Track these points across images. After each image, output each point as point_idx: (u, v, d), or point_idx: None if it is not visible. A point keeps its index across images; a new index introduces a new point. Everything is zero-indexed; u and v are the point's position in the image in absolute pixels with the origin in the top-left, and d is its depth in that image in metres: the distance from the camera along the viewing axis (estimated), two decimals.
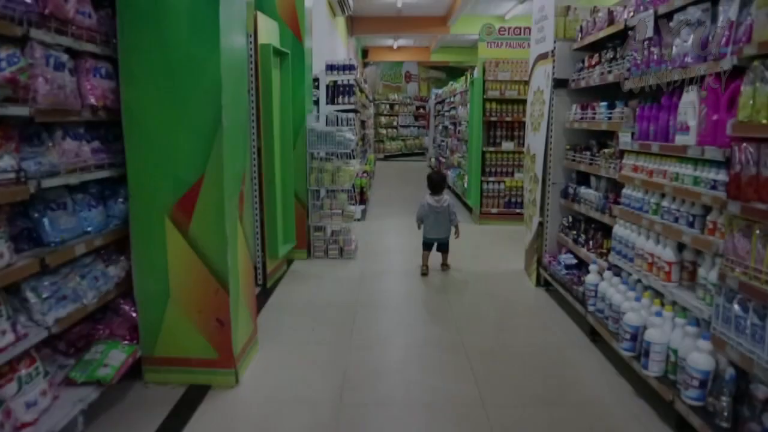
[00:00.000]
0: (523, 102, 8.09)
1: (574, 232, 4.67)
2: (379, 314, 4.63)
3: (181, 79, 3.03)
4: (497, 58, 8.32)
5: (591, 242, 4.32)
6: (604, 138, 4.45)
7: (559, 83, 4.85)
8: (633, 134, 3.50)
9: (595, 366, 3.65)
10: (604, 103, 4.11)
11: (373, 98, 19.52)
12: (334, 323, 4.38)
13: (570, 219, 4.85)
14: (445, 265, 5.91)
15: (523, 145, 8.31)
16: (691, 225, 2.87)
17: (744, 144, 2.34)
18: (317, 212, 6.17)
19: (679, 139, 2.95)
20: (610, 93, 4.52)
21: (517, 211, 8.26)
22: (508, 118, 8.18)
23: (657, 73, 3.20)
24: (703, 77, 2.78)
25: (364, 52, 21.33)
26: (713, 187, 2.66)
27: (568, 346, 3.98)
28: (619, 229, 3.66)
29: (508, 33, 8.55)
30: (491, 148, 8.28)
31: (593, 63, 4.33)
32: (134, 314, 3.29)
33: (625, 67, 3.69)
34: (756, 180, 2.25)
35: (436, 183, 5.78)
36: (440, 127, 14.79)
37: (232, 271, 3.25)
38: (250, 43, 4.83)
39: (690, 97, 2.86)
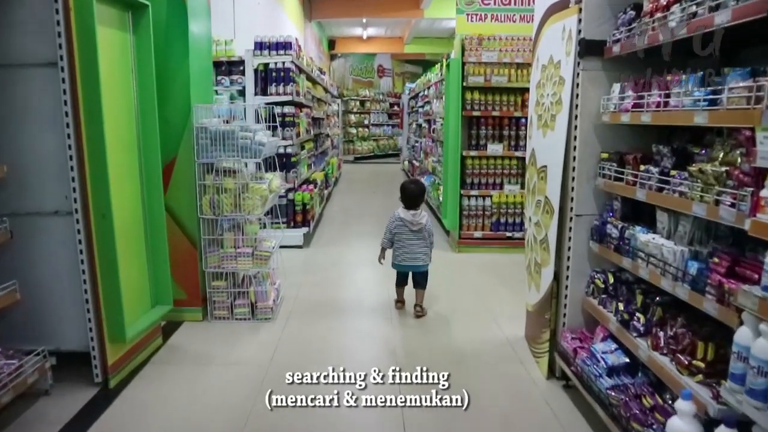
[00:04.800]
0: (515, 91, 6.15)
1: (621, 306, 2.68)
2: None
3: None
4: (481, 34, 6.33)
5: (662, 334, 2.33)
6: (680, 140, 2.48)
7: (590, 48, 2.85)
8: None
9: None
10: (698, 74, 2.12)
11: (340, 94, 17.48)
12: None
13: (609, 278, 2.86)
14: (419, 308, 4.35)
15: (517, 149, 6.32)
16: None
17: None
18: (215, 253, 4.10)
19: None
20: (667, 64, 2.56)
21: (508, 235, 6.29)
22: (496, 113, 6.19)
23: None
24: None
25: (331, 43, 19.27)
26: None
27: None
28: (761, 344, 1.67)
29: (494, 2, 6.61)
30: (473, 152, 6.28)
31: (663, 4, 2.35)
32: None
33: None
34: None
35: (411, 195, 4.32)
36: (414, 126, 12.78)
37: None
38: None
39: None
